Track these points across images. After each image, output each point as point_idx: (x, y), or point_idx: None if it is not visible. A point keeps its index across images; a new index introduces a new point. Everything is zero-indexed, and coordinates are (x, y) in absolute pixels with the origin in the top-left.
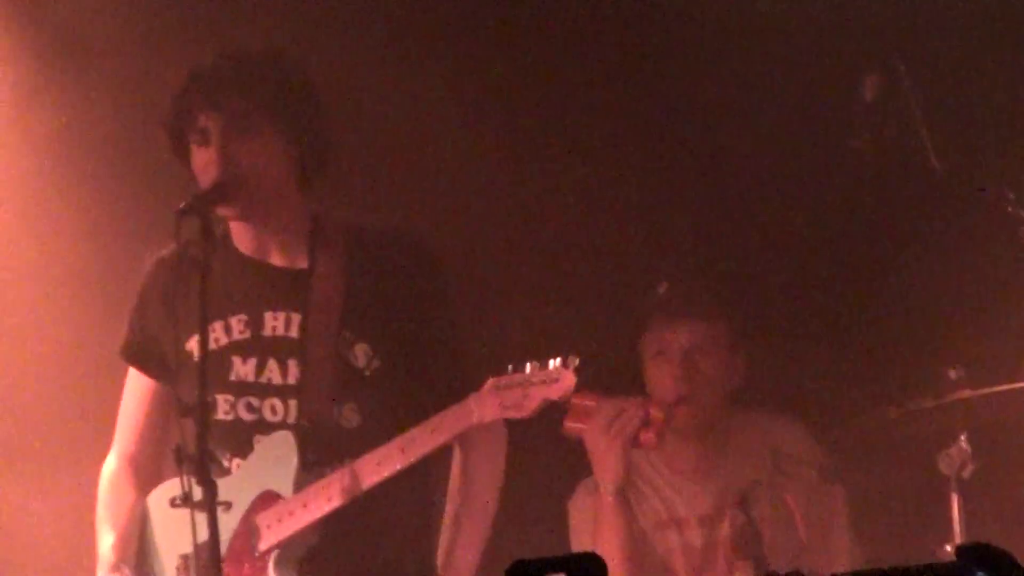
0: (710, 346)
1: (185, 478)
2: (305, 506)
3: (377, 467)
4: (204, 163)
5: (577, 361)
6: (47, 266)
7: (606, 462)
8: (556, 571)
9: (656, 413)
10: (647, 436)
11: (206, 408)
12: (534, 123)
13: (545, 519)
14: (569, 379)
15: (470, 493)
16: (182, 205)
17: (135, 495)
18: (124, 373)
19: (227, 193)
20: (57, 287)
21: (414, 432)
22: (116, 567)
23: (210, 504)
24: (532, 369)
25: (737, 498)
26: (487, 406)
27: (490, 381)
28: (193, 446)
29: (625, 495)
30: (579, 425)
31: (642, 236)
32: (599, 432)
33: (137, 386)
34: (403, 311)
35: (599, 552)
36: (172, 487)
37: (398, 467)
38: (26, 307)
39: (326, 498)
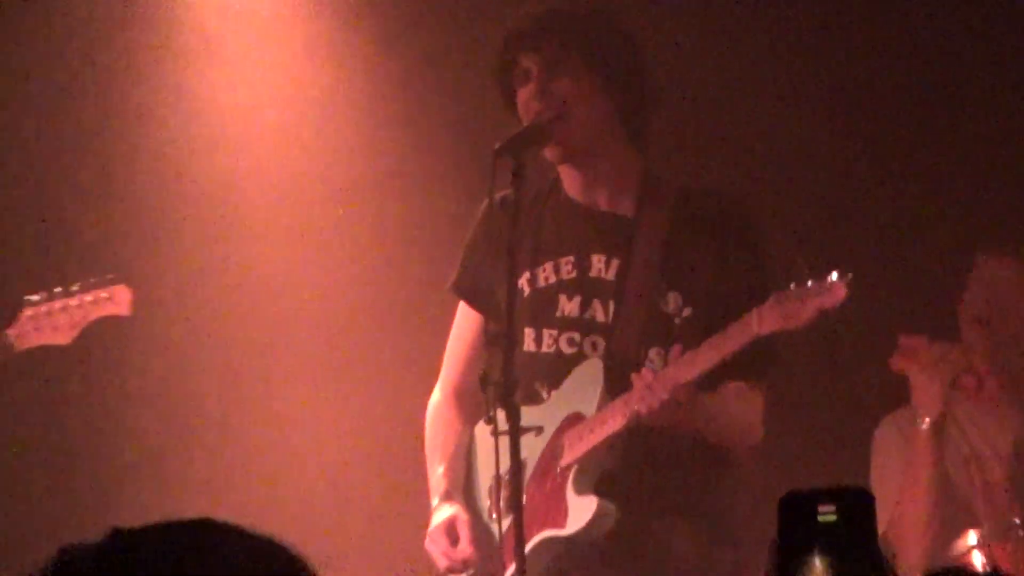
0: (1016, 287)
1: (491, 403)
2: (604, 423)
3: (663, 383)
4: (526, 100)
5: (850, 275)
6: (375, 205)
7: (928, 394)
8: (828, 503)
9: (979, 363)
10: (968, 380)
11: (513, 338)
12: (853, 94)
13: (850, 449)
14: (841, 289)
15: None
16: (498, 145)
17: (461, 425)
18: (437, 315)
19: (546, 131)
20: (379, 227)
21: (699, 348)
22: (447, 494)
23: (513, 427)
24: (809, 282)
25: (1013, 448)
26: (768, 317)
27: (773, 295)
28: (499, 373)
29: (941, 428)
30: (905, 361)
31: (962, 205)
32: (925, 367)
33: (465, 322)
34: (719, 269)
35: (908, 484)
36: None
37: (682, 380)
38: (361, 251)
39: (621, 414)
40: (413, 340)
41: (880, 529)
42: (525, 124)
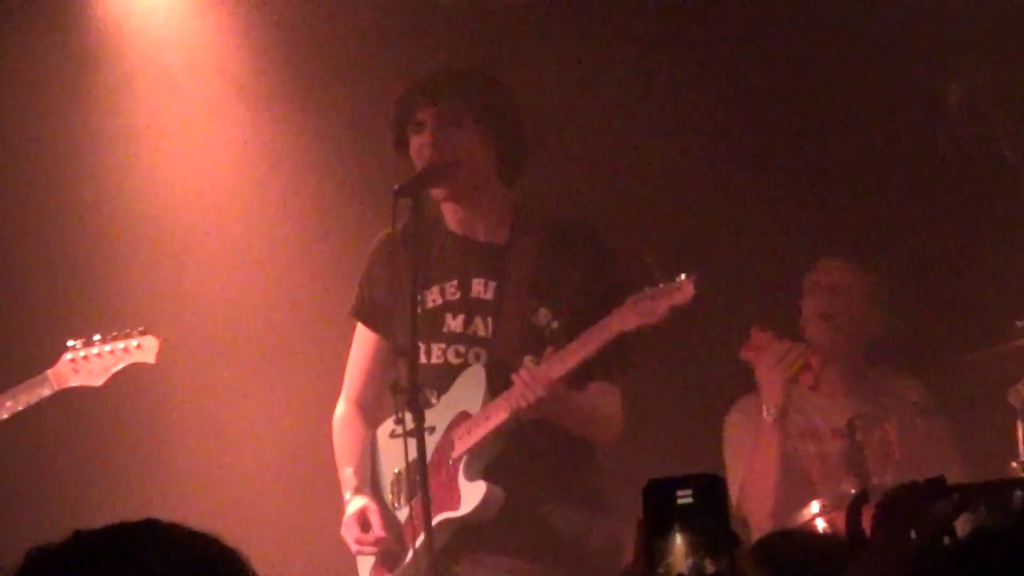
0: (854, 289)
1: (399, 406)
2: (488, 418)
3: (539, 379)
4: (419, 147)
5: (697, 275)
6: (298, 246)
7: (772, 391)
8: (684, 487)
9: (815, 361)
10: (805, 378)
11: (416, 351)
12: (702, 110)
13: (702, 432)
14: (689, 288)
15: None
16: (396, 187)
17: (364, 430)
18: (339, 333)
19: (437, 174)
20: (302, 263)
21: (568, 347)
22: (357, 489)
23: (418, 426)
24: (661, 283)
25: (844, 425)
26: (627, 316)
27: (629, 297)
28: (406, 381)
29: (783, 418)
30: (753, 355)
31: (802, 212)
32: (770, 366)
33: (362, 342)
34: (581, 285)
35: (756, 464)
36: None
37: (555, 376)
38: (279, 278)
39: (503, 409)
40: (320, 360)
41: (732, 499)
42: (418, 169)
